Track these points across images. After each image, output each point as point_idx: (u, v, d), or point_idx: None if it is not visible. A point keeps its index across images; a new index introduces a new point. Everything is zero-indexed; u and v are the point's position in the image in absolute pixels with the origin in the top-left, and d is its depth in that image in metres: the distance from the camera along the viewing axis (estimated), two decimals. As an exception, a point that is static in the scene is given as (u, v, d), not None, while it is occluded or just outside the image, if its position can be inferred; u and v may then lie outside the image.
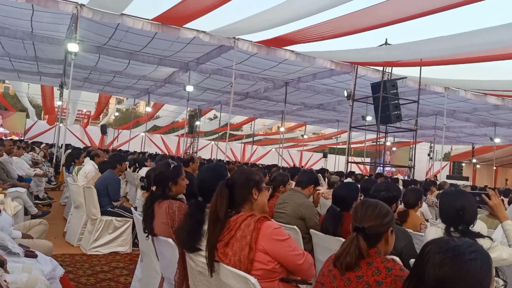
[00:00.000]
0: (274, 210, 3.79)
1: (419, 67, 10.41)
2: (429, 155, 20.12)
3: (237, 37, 9.46)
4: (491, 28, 6.84)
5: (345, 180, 8.53)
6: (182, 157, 10.63)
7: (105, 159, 6.05)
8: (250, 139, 28.94)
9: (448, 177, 23.35)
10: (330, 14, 7.46)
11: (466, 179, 23.65)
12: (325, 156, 29.06)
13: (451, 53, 9.01)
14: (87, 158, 6.91)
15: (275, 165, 11.06)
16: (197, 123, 22.60)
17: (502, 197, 7.06)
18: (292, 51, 10.11)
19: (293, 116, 21.12)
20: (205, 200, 2.25)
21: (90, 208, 5.01)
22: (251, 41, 9.65)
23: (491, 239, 2.42)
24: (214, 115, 27.73)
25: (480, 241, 2.36)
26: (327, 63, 10.65)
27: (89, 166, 6.05)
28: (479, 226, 3.63)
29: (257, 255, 1.93)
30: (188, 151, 22.21)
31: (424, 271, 1.14)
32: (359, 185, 3.73)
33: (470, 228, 2.45)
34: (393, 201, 2.97)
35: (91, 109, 30.69)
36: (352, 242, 1.66)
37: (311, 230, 3.40)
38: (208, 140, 31.23)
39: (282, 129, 18.01)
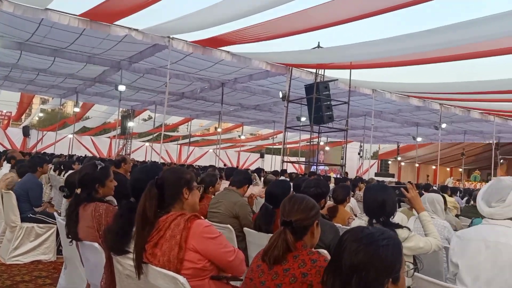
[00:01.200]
0: (208, 210, 3.78)
1: (349, 70, 10.93)
2: (359, 153, 21.20)
3: (171, 36, 9.27)
4: (413, 34, 7.33)
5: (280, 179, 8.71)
6: (113, 159, 10.20)
7: (21, 161, 5.64)
8: (187, 140, 28.55)
9: (376, 174, 24.76)
10: (265, 16, 7.58)
11: (392, 175, 25.25)
12: (262, 156, 29.50)
13: (377, 57, 9.55)
14: (5, 162, 6.41)
15: (212, 166, 11.02)
16: (130, 124, 21.80)
17: (422, 190, 7.63)
18: (228, 52, 10.13)
19: (230, 116, 21.18)
20: (137, 201, 2.19)
21: (8, 215, 4.64)
22: (186, 41, 9.51)
23: (409, 229, 2.60)
24: (149, 115, 26.98)
25: (399, 231, 2.54)
26: (263, 65, 10.81)
27: (6, 170, 5.62)
28: (399, 218, 3.89)
29: (187, 254, 1.92)
30: (120, 153, 21.38)
31: (342, 259, 1.21)
32: (291, 183, 3.83)
33: (390, 220, 2.62)
34: (322, 196, 3.09)
35: (12, 109, 28.42)
36: (279, 236, 1.71)
37: (245, 228, 3.44)
38: (142, 141, 30.31)
39: (219, 130, 17.99)
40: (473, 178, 26.14)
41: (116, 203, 2.87)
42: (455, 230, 3.78)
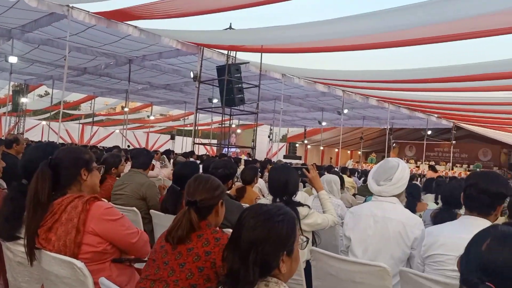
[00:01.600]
0: (112, 193, 3.61)
1: (260, 53, 11.11)
2: (269, 136, 21.85)
3: (71, 5, 8.50)
4: (321, 21, 7.66)
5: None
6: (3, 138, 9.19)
7: None
8: (90, 120, 26.76)
9: (284, 156, 25.80)
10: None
11: (300, 158, 26.55)
12: (172, 138, 28.87)
13: (288, 42, 9.85)
14: None
15: (117, 147, 10.51)
16: (24, 100, 19.70)
17: (325, 171, 8.15)
18: (136, 27, 9.61)
19: (138, 95, 20.28)
20: (30, 183, 2.02)
21: None
22: (88, 11, 8.80)
23: (309, 207, 2.77)
24: (45, 91, 24.61)
25: (300, 209, 2.69)
26: (173, 43, 10.47)
27: None
28: (302, 196, 4.13)
29: (86, 238, 1.83)
30: (12, 132, 19.30)
31: (241, 235, 1.25)
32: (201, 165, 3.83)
33: (293, 198, 2.76)
34: (229, 177, 3.15)
35: None
36: (183, 215, 1.70)
37: (151, 211, 3.36)
38: (38, 120, 27.72)
39: (126, 110, 17.16)
40: (370, 160, 28.52)
41: (5, 186, 2.64)
42: (351, 207, 4.13)
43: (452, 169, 24.08)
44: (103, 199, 2.12)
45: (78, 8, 8.62)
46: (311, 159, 28.96)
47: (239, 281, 1.21)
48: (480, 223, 1.96)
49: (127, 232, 1.95)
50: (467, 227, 1.93)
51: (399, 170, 2.52)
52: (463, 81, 10.81)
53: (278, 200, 2.73)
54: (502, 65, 8.96)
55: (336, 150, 25.67)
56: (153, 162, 7.71)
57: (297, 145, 29.11)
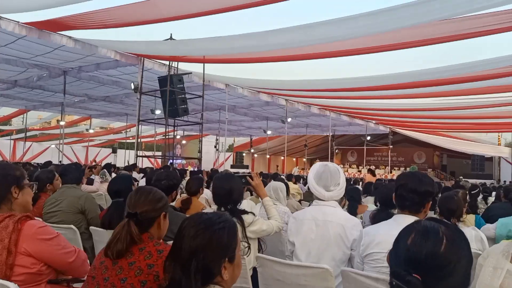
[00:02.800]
0: (44, 212, 3.41)
1: (202, 64, 11.09)
2: (215, 146, 21.76)
3: (-1, 15, 8.01)
4: (267, 31, 7.78)
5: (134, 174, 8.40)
6: None
7: None
8: (22, 135, 25.12)
9: (232, 166, 25.84)
10: (110, 2, 7.14)
11: (246, 167, 26.69)
12: (114, 151, 27.83)
13: (230, 53, 9.93)
14: None
15: (49, 162, 9.97)
16: None
17: (272, 179, 8.25)
18: (70, 37, 9.21)
19: (75, 108, 19.35)
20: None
21: None
22: (18, 22, 8.32)
23: (254, 214, 2.80)
24: (-28, 107, 22.82)
25: (245, 216, 2.70)
26: (111, 53, 10.15)
27: None
28: (249, 204, 4.16)
29: (18, 259, 1.73)
30: None
31: (182, 245, 1.24)
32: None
33: (237, 207, 2.77)
34: (173, 188, 3.09)
35: None
36: (123, 228, 1.65)
37: (91, 228, 3.23)
38: (-35, 136, 25.61)
39: (62, 123, 16.31)
40: (314, 166, 29.24)
41: None
42: (296, 212, 4.22)
43: (391, 172, 25.39)
44: (36, 217, 2.01)
45: (7, 19, 8.12)
46: (258, 168, 29.22)
47: None
48: (410, 221, 2.08)
49: (63, 251, 1.86)
50: (399, 225, 2.03)
51: (341, 174, 2.64)
52: (396, 89, 11.51)
53: (223, 209, 2.73)
54: (431, 73, 9.66)
55: (282, 158, 26.11)
56: (93, 176, 7.42)
57: (244, 154, 29.27)
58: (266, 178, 8.48)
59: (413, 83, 10.62)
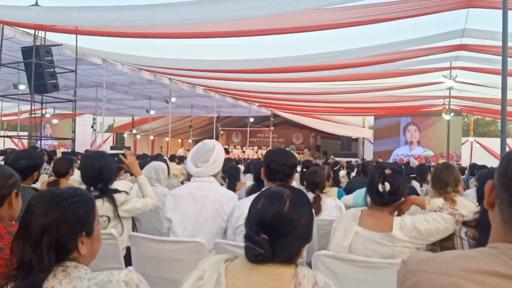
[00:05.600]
0: None
1: (75, 35, 10.14)
2: (92, 127, 20.27)
3: None
4: (145, 5, 7.39)
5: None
6: None
7: None
8: None
9: (111, 147, 24.42)
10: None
11: (128, 148, 25.48)
12: (-31, 131, 24.07)
13: (107, 25, 9.23)
14: None
15: None
16: None
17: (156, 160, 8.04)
18: None
19: None
20: None
21: None
22: None
23: (127, 193, 2.70)
24: None
25: (117, 195, 2.60)
26: (-39, 16, 8.67)
27: None
28: (126, 185, 3.99)
29: None
30: None
31: (31, 222, 1.15)
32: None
33: (109, 186, 2.64)
34: (34, 168, 2.81)
35: None
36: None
37: None
38: None
39: None
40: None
41: None
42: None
43: (272, 152, 26.74)
44: None
45: None
46: (140, 149, 28.14)
47: (33, 270, 1.11)
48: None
49: None
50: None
51: (215, 152, 2.68)
52: (277, 73, 12.09)
53: (92, 188, 2.58)
54: (307, 59, 10.35)
55: (167, 139, 25.51)
56: None
57: (125, 135, 27.86)
58: (146, 158, 8.25)
59: (291, 68, 11.27)
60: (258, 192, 1.35)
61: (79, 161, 5.20)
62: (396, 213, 2.18)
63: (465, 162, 18.57)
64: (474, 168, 7.25)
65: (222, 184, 4.23)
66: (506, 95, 5.54)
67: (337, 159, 13.84)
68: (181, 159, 11.30)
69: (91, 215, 1.25)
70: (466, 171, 9.02)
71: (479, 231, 2.05)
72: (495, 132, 34.73)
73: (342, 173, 8.08)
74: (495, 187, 0.87)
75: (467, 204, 2.76)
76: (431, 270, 0.84)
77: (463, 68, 12.55)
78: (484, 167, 6.42)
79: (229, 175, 4.89)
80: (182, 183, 6.85)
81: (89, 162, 2.60)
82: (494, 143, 20.11)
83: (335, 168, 5.87)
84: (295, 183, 4.38)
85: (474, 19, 8.11)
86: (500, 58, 5.70)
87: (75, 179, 4.65)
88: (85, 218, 1.23)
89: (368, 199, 2.18)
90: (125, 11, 7.77)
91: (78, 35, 10.06)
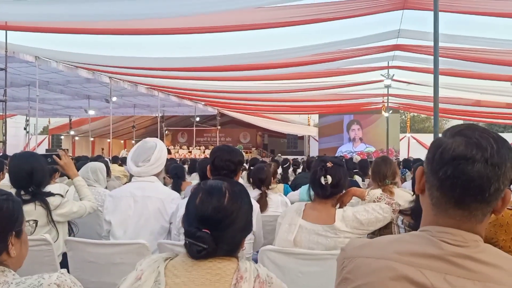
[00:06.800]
0: None
1: (4, 31, 9.44)
2: (25, 129, 19.00)
3: None
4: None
5: None
6: None
7: None
8: None
9: (47, 150, 23.02)
10: None
11: (66, 150, 24.14)
12: None
13: (38, 20, 8.68)
14: None
15: None
16: None
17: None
18: None
19: None
20: None
21: None
22: None
23: (62, 196, 2.54)
24: None
25: (51, 199, 2.45)
26: None
27: None
28: (62, 188, 3.77)
29: None
30: None
31: None
32: None
33: (41, 189, 2.47)
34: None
35: None
36: None
37: None
38: None
39: None
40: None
41: None
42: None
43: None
44: None
45: None
46: (80, 152, 26.84)
47: None
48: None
49: None
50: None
51: (157, 150, 2.59)
52: (221, 71, 12.02)
53: (23, 192, 2.40)
54: (252, 57, 10.39)
55: (108, 140, 24.52)
56: None
57: (62, 137, 26.46)
58: (86, 160, 7.87)
59: (236, 66, 11.27)
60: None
61: (9, 165, 4.85)
62: (338, 205, 2.24)
63: (403, 157, 19.66)
64: (407, 162, 7.70)
65: (165, 184, 4.12)
66: (438, 93, 5.89)
67: (283, 157, 14.06)
68: (123, 161, 10.90)
69: (20, 215, 1.21)
70: (400, 165, 9.57)
71: (414, 218, 2.16)
72: (429, 128, 37.07)
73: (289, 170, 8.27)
74: (425, 172, 0.91)
75: (403, 194, 2.91)
76: (367, 255, 0.87)
77: (399, 67, 13.25)
78: (419, 160, 6.82)
79: (174, 174, 4.78)
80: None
81: (18, 164, 2.41)
82: (429, 139, 21.44)
83: (284, 166, 5.95)
84: (242, 180, 4.39)
85: (409, 20, 8.58)
86: (432, 57, 6.03)
87: (5, 183, 4.33)
88: (16, 218, 1.19)
89: (312, 192, 2.21)
90: (60, 5, 7.35)
91: (7, 31, 9.38)
